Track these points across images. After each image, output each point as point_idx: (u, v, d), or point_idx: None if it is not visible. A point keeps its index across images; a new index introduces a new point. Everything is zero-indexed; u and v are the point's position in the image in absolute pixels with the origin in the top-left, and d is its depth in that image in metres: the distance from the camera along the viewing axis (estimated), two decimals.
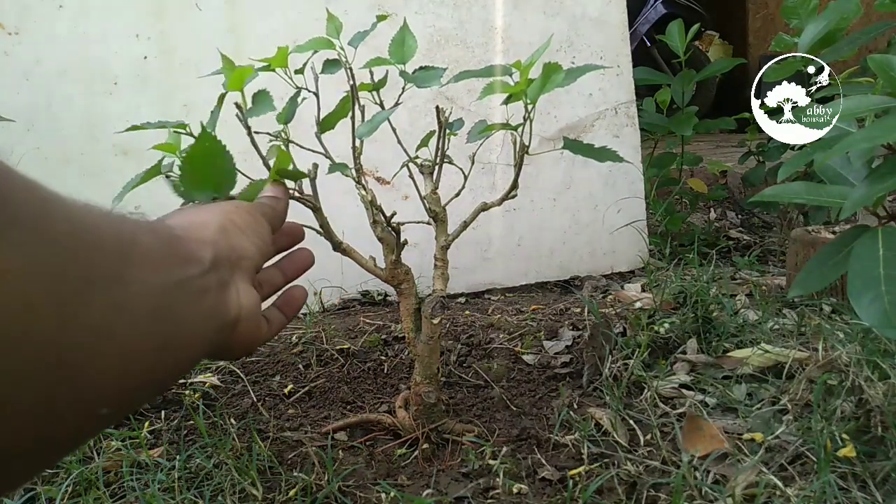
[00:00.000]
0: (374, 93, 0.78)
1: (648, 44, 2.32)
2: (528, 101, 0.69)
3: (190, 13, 1.41)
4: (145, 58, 1.39)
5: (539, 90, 0.67)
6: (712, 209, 2.25)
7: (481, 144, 0.78)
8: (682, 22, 1.92)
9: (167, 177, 0.69)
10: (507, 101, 0.73)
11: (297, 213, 0.76)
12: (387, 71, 0.78)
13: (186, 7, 1.41)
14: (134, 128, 0.71)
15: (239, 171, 0.60)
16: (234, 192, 0.60)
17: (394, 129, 0.79)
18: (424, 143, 0.79)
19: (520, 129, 0.72)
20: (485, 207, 0.80)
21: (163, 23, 1.40)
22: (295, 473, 0.77)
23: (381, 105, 0.78)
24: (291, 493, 0.74)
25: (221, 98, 0.72)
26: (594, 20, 1.61)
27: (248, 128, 0.71)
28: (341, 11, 0.86)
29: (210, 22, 1.42)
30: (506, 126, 0.73)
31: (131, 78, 1.39)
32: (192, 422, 0.91)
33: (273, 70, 0.74)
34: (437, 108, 0.76)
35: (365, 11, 1.48)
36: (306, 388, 1.03)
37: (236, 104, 0.70)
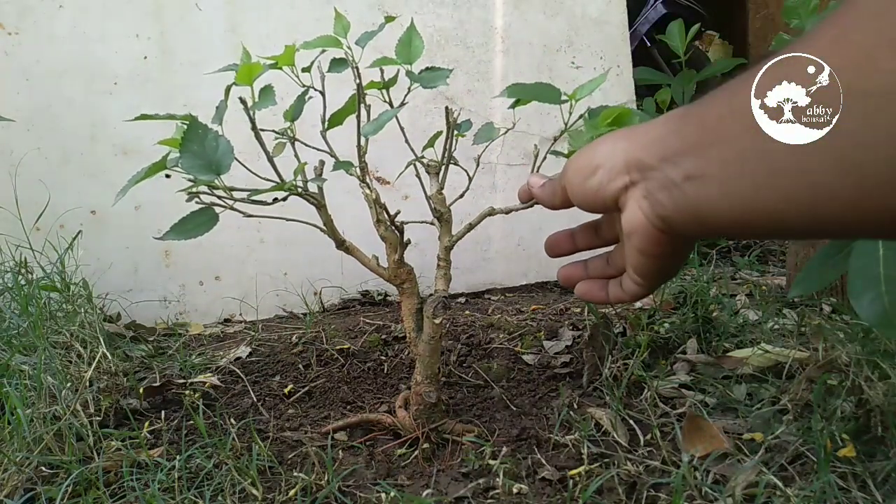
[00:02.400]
0: (383, 91, 0.78)
1: (648, 44, 2.32)
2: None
3: (190, 13, 1.41)
4: (145, 58, 1.39)
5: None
6: None
7: (487, 146, 0.79)
8: (682, 22, 1.92)
9: (167, 176, 0.69)
10: (514, 106, 0.74)
11: (301, 212, 0.77)
12: (398, 70, 0.78)
13: (186, 7, 1.41)
14: (143, 117, 0.71)
15: (243, 166, 0.60)
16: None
17: (402, 129, 0.79)
18: (431, 143, 0.79)
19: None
20: (491, 213, 0.79)
21: (163, 23, 1.40)
22: (295, 473, 0.77)
23: (390, 104, 0.78)
24: (291, 493, 0.74)
25: (228, 90, 0.72)
26: (594, 20, 1.61)
27: (252, 121, 0.71)
28: (342, 11, 0.86)
29: (210, 22, 1.42)
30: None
31: (131, 78, 1.39)
32: (192, 422, 0.90)
33: (280, 68, 0.75)
34: (446, 108, 0.76)
35: (365, 11, 1.48)
36: (306, 388, 1.03)
37: (241, 99, 0.70)
